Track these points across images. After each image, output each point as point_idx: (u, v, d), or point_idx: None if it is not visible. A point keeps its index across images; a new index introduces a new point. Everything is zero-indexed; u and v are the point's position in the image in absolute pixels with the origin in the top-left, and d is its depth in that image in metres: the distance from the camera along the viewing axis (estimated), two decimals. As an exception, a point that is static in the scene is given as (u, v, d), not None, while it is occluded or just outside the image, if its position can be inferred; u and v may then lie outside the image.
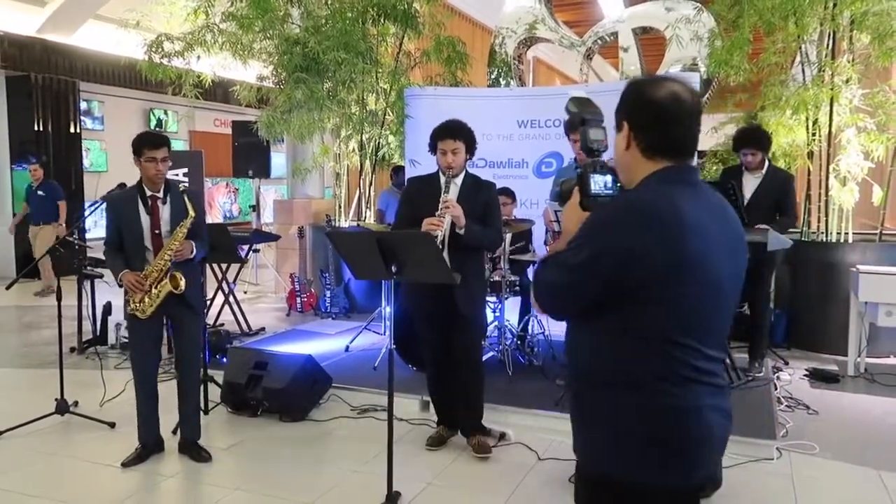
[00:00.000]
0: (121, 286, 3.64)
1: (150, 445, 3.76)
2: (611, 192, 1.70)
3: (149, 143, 3.59)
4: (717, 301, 1.58)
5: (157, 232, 3.62)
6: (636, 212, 1.54)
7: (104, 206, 3.76)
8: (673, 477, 1.57)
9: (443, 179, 3.67)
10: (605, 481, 1.62)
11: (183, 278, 3.58)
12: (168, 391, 3.88)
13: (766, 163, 5.13)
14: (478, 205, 3.67)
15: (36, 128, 10.41)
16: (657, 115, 1.59)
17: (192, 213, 3.63)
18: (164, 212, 3.65)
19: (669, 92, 1.58)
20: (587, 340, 1.63)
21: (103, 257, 5.93)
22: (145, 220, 3.62)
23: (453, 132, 3.65)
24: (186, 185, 4.16)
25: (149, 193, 3.63)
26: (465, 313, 3.67)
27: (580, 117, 1.84)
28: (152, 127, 13.36)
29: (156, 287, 3.58)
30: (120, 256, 3.64)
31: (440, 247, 3.41)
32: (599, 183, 1.70)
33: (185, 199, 3.64)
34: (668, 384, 1.54)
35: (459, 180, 3.73)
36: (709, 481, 1.67)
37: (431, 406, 4.14)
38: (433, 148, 3.71)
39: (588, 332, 1.63)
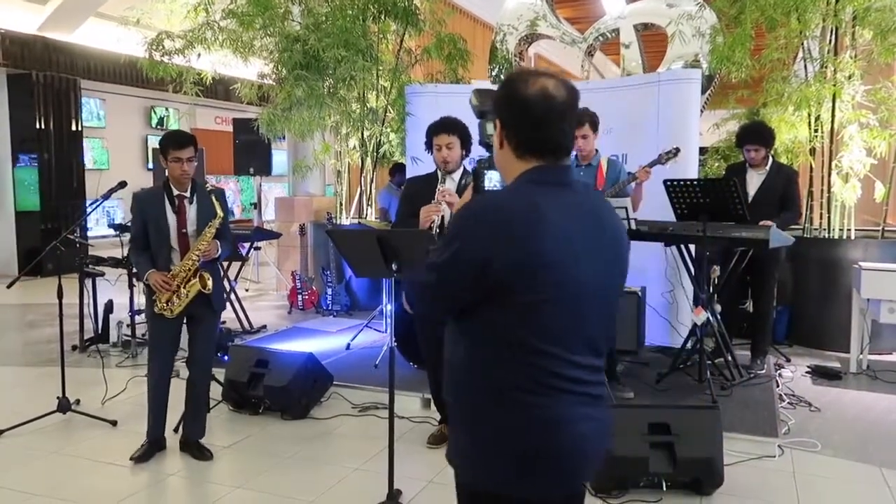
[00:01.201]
0: (146, 285, 3.64)
1: (156, 441, 3.78)
2: None
3: (174, 143, 3.59)
4: (582, 307, 1.52)
5: (183, 231, 3.63)
6: (490, 212, 1.49)
7: (130, 204, 3.75)
8: (540, 489, 1.51)
9: (440, 175, 3.68)
10: (476, 492, 1.56)
11: (211, 278, 3.61)
12: (171, 389, 3.86)
13: (770, 159, 5.12)
14: None
15: (37, 125, 10.41)
16: (526, 113, 1.52)
17: (220, 213, 3.64)
18: (191, 212, 3.66)
19: (540, 88, 1.51)
20: (458, 346, 1.58)
21: (104, 256, 6.02)
22: (172, 219, 3.63)
23: (447, 127, 3.68)
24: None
25: (175, 193, 3.64)
26: None
27: (479, 110, 1.79)
28: (153, 125, 13.37)
29: (184, 287, 3.60)
30: (145, 255, 3.64)
31: (436, 230, 3.41)
32: (494, 179, 1.65)
33: (214, 199, 3.66)
34: (533, 394, 1.48)
35: (457, 176, 3.73)
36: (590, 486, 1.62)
37: (432, 404, 4.14)
38: (429, 145, 3.73)
39: (459, 337, 1.57)
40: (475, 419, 1.55)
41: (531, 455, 1.49)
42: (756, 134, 5.07)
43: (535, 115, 1.52)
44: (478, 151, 3.99)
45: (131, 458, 3.68)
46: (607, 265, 1.57)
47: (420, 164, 5.92)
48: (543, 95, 1.51)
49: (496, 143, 1.59)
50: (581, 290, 1.51)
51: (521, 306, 1.47)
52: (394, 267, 3.05)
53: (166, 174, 3.68)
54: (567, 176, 1.58)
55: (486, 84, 7.55)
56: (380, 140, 7.59)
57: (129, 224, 4.21)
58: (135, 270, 4.79)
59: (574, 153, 4.58)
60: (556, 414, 1.50)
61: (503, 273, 1.45)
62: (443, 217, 3.59)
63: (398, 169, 8.00)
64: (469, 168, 3.83)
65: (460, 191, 3.66)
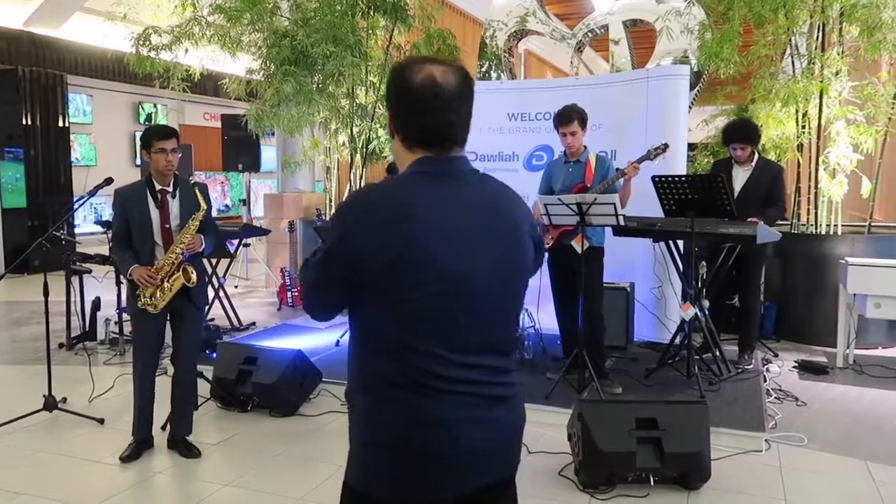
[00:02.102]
0: (130, 281, 3.61)
1: (144, 440, 3.76)
2: None
3: (157, 133, 3.59)
4: (471, 304, 1.43)
5: (166, 226, 3.61)
6: (367, 206, 1.44)
7: (112, 201, 3.70)
8: (421, 493, 1.45)
9: None
10: (352, 490, 1.51)
11: (195, 272, 3.59)
12: (158, 387, 3.84)
13: (756, 155, 5.15)
14: None
15: (24, 122, 10.32)
16: (411, 102, 1.46)
17: (204, 205, 3.63)
18: (174, 206, 3.64)
19: (426, 76, 1.44)
20: (351, 341, 1.54)
21: (91, 253, 5.98)
22: (155, 214, 3.61)
23: None
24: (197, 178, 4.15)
25: (158, 188, 3.62)
26: None
27: None
28: (141, 121, 13.28)
29: (168, 281, 3.58)
30: (129, 251, 3.61)
31: None
32: None
33: (197, 192, 3.65)
34: (414, 393, 1.42)
35: None
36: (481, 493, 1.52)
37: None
38: None
39: (351, 333, 1.54)
40: (361, 416, 1.50)
41: (411, 456, 1.43)
42: (741, 132, 5.10)
43: (421, 105, 1.45)
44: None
45: (120, 458, 3.66)
46: (501, 259, 1.49)
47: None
48: (430, 83, 1.44)
49: (389, 134, 1.54)
50: (468, 286, 1.43)
51: (399, 304, 1.40)
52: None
53: (149, 169, 3.66)
54: (456, 167, 1.50)
55: (475, 80, 7.52)
56: (369, 136, 7.57)
57: (107, 220, 4.16)
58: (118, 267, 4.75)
59: (563, 149, 4.59)
60: (438, 415, 1.43)
61: (380, 269, 1.39)
62: None
63: (395, 167, 7.99)
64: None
65: None
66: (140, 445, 3.73)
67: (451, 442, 1.44)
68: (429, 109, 1.45)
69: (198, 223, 3.62)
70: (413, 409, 1.43)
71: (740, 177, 5.10)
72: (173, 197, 3.65)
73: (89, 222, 11.15)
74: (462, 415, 1.44)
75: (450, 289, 1.42)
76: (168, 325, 3.76)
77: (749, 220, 4.60)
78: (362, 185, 7.84)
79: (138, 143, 3.85)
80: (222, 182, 14.99)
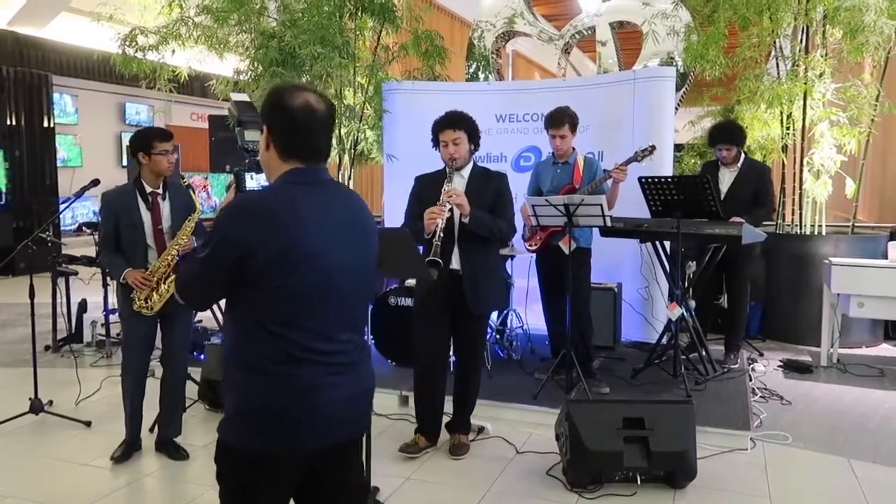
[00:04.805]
0: (123, 284, 3.57)
1: (135, 442, 3.75)
2: None
3: (160, 135, 3.59)
4: (340, 290, 1.77)
5: (159, 228, 3.60)
6: (247, 207, 1.73)
7: (100, 205, 3.68)
8: (279, 447, 1.73)
9: (447, 173, 3.55)
10: (228, 448, 1.78)
11: None
12: (147, 389, 3.82)
13: (743, 156, 5.20)
14: (487, 196, 3.56)
15: (8, 122, 10.23)
16: (292, 121, 1.76)
17: (199, 206, 3.64)
18: (165, 208, 3.63)
19: (304, 101, 1.77)
20: (228, 326, 1.81)
21: (77, 255, 5.94)
22: (147, 216, 3.59)
23: (453, 122, 3.56)
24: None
25: (149, 190, 3.60)
26: (476, 313, 3.60)
27: (238, 119, 2.07)
28: (127, 122, 13.18)
29: (164, 283, 3.56)
30: (119, 256, 3.59)
31: (440, 234, 3.37)
32: (255, 181, 1.86)
33: (191, 193, 3.65)
34: (282, 365, 1.71)
35: (466, 172, 3.62)
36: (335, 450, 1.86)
37: (410, 401, 4.14)
38: (435, 141, 3.62)
39: (229, 318, 1.80)
40: (239, 387, 1.76)
41: (282, 418, 1.72)
42: (726, 133, 5.15)
43: (301, 124, 1.77)
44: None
45: (111, 458, 3.64)
46: (358, 253, 1.84)
47: (395, 161, 5.93)
48: (307, 107, 1.77)
49: (263, 146, 1.81)
50: (338, 275, 1.76)
51: (280, 290, 1.69)
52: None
53: (137, 172, 3.64)
54: (321, 176, 1.83)
55: (463, 81, 7.56)
56: (357, 137, 7.56)
57: (92, 222, 4.13)
58: (108, 271, 4.73)
59: (551, 150, 4.62)
60: (308, 384, 1.73)
61: (265, 262, 1.67)
62: (450, 219, 3.47)
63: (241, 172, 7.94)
64: (478, 163, 3.73)
65: (467, 189, 3.54)
66: (130, 447, 3.72)
67: (315, 405, 1.74)
68: (308, 128, 1.78)
69: (193, 224, 3.61)
70: (288, 379, 1.72)
71: (727, 178, 5.14)
72: (164, 199, 3.64)
73: (76, 221, 11.07)
74: (325, 381, 1.76)
75: (325, 278, 1.74)
76: (158, 326, 3.74)
77: (733, 219, 4.64)
78: (351, 185, 7.84)
79: (124, 144, 3.84)
80: (205, 182, 14.86)
